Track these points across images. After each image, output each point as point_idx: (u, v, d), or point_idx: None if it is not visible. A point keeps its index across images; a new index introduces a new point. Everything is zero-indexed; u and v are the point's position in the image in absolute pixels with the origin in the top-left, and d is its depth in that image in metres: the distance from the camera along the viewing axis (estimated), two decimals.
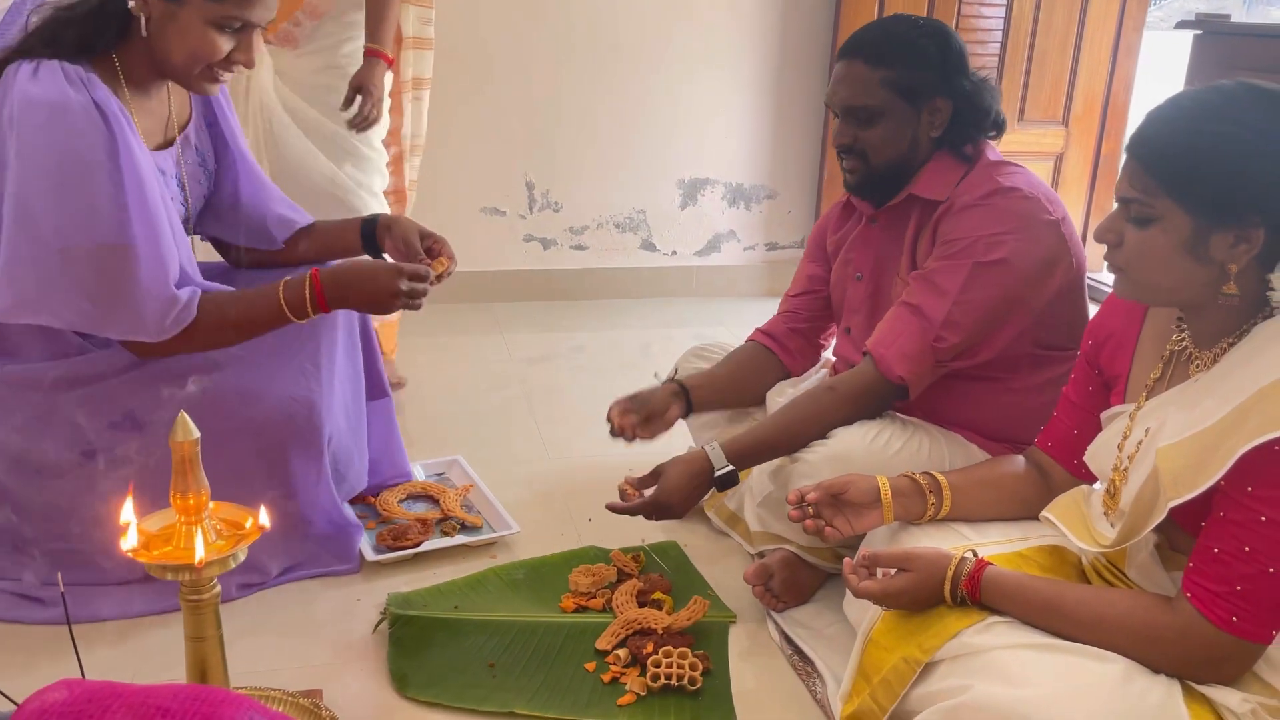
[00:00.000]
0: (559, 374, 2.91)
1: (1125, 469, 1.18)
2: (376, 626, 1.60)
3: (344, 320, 1.76)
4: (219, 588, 1.18)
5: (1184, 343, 1.18)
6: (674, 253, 3.69)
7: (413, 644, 1.55)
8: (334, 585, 1.73)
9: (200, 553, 1.12)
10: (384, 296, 1.58)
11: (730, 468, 1.62)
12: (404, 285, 1.58)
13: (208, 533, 1.15)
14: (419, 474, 2.10)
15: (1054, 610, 1.13)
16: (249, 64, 1.53)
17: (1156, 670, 1.07)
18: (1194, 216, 1.07)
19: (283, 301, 1.55)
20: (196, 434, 1.13)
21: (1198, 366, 1.15)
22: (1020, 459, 1.44)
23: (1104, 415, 1.28)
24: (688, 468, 1.62)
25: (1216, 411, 1.05)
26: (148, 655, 1.52)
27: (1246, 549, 1.02)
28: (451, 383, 2.76)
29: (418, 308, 1.61)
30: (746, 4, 3.46)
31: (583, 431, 2.46)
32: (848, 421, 1.64)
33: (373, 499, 1.97)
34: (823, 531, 1.39)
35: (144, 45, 1.49)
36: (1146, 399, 1.20)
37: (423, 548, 1.82)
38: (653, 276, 3.67)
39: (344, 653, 1.56)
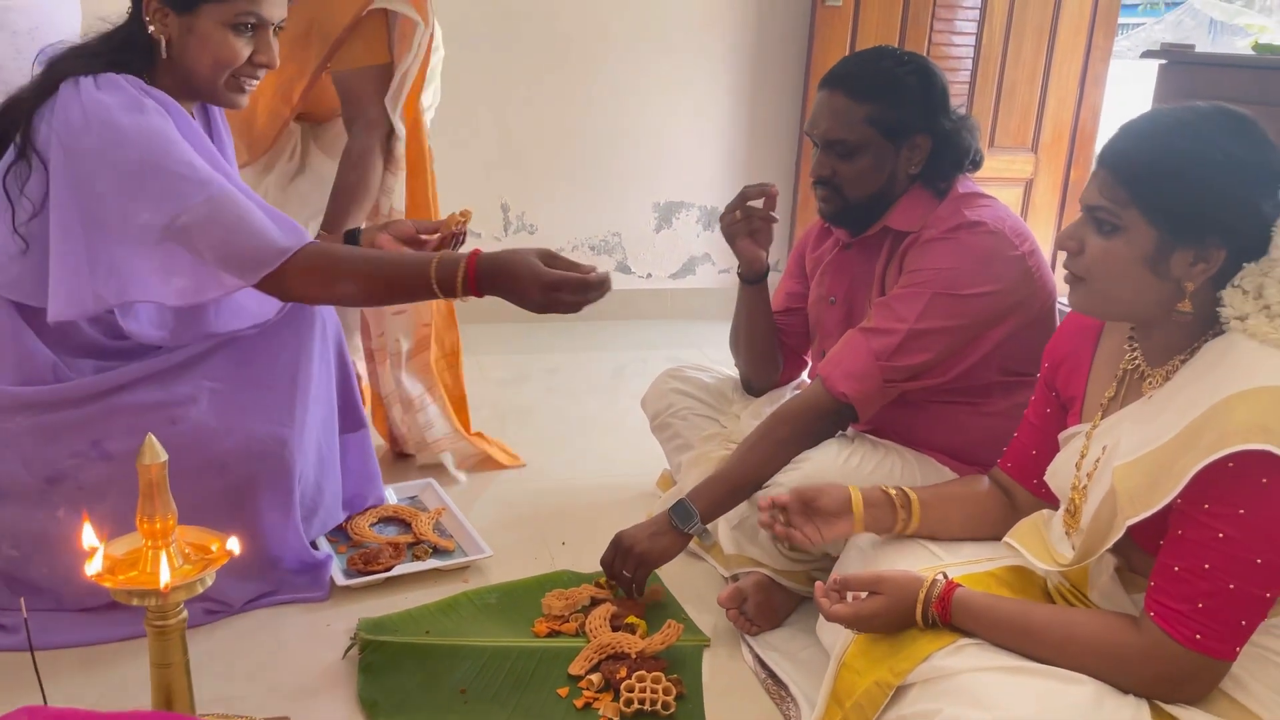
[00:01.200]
0: (532, 396, 2.90)
1: (1084, 487, 1.20)
2: (347, 652, 1.58)
3: (319, 351, 1.74)
4: (185, 613, 1.17)
5: (1136, 361, 1.20)
6: (649, 275, 3.70)
7: (383, 669, 1.53)
8: (303, 610, 1.71)
9: (166, 577, 1.10)
10: (531, 296, 1.49)
11: (698, 525, 1.63)
12: (545, 295, 1.48)
13: (174, 557, 1.14)
14: (391, 497, 2.09)
15: (1022, 631, 1.13)
16: (271, 63, 1.57)
17: (1125, 691, 1.07)
18: (1158, 231, 1.08)
19: (434, 275, 1.48)
20: (164, 456, 1.12)
21: (1150, 384, 1.16)
22: (986, 479, 1.45)
23: (1061, 436, 1.30)
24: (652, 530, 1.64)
25: (1170, 429, 1.07)
26: (112, 682, 1.49)
27: (1206, 566, 1.03)
28: None
29: (577, 310, 1.51)
30: (722, 28, 3.49)
31: (556, 454, 2.46)
32: (803, 447, 1.65)
33: (344, 524, 1.95)
34: (791, 537, 1.39)
35: (169, 69, 1.54)
36: (1102, 418, 1.21)
37: (394, 572, 1.80)
38: (627, 299, 3.68)
39: (313, 678, 1.53)
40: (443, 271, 1.48)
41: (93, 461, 1.53)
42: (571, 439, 2.58)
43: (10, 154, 1.48)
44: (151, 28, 1.50)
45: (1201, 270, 1.09)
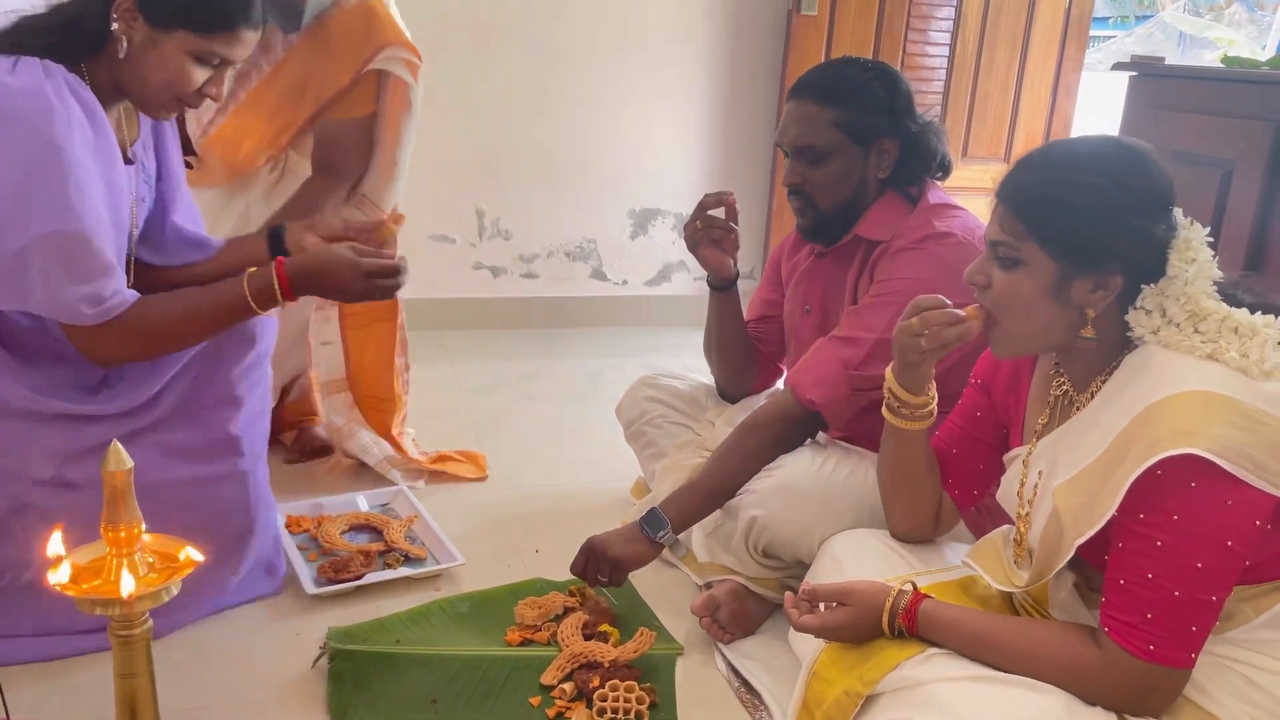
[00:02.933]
0: (507, 403, 2.89)
1: (1028, 514, 1.22)
2: (316, 661, 1.56)
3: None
4: (150, 622, 1.15)
5: (1064, 386, 1.22)
6: (624, 282, 3.70)
7: (353, 679, 1.52)
8: (271, 619, 1.69)
9: (130, 586, 1.08)
10: (350, 287, 1.56)
11: (669, 535, 1.63)
12: (365, 283, 1.56)
13: (138, 566, 1.12)
14: (362, 504, 2.07)
15: (986, 644, 1.14)
16: (218, 98, 1.55)
17: (1091, 704, 1.08)
18: (1056, 261, 1.12)
19: (247, 291, 1.51)
20: (130, 463, 1.10)
21: (1078, 409, 1.19)
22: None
23: (1005, 458, 1.32)
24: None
25: (1099, 445, 1.09)
26: (74, 693, 1.47)
27: (1149, 576, 1.04)
28: None
29: (392, 295, 1.61)
30: (698, 36, 3.50)
31: (530, 462, 2.45)
32: (775, 455, 1.66)
33: (313, 530, 1.93)
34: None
35: (112, 64, 1.49)
36: (1036, 442, 1.23)
37: (365, 580, 1.78)
38: (603, 306, 3.67)
39: (282, 689, 1.52)
40: (256, 287, 1.52)
41: (58, 488, 1.50)
42: (546, 446, 2.56)
43: None
44: (116, 25, 1.46)
45: (1101, 296, 1.12)
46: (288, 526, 1.95)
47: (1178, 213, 1.13)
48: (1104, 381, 1.16)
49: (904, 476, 1.38)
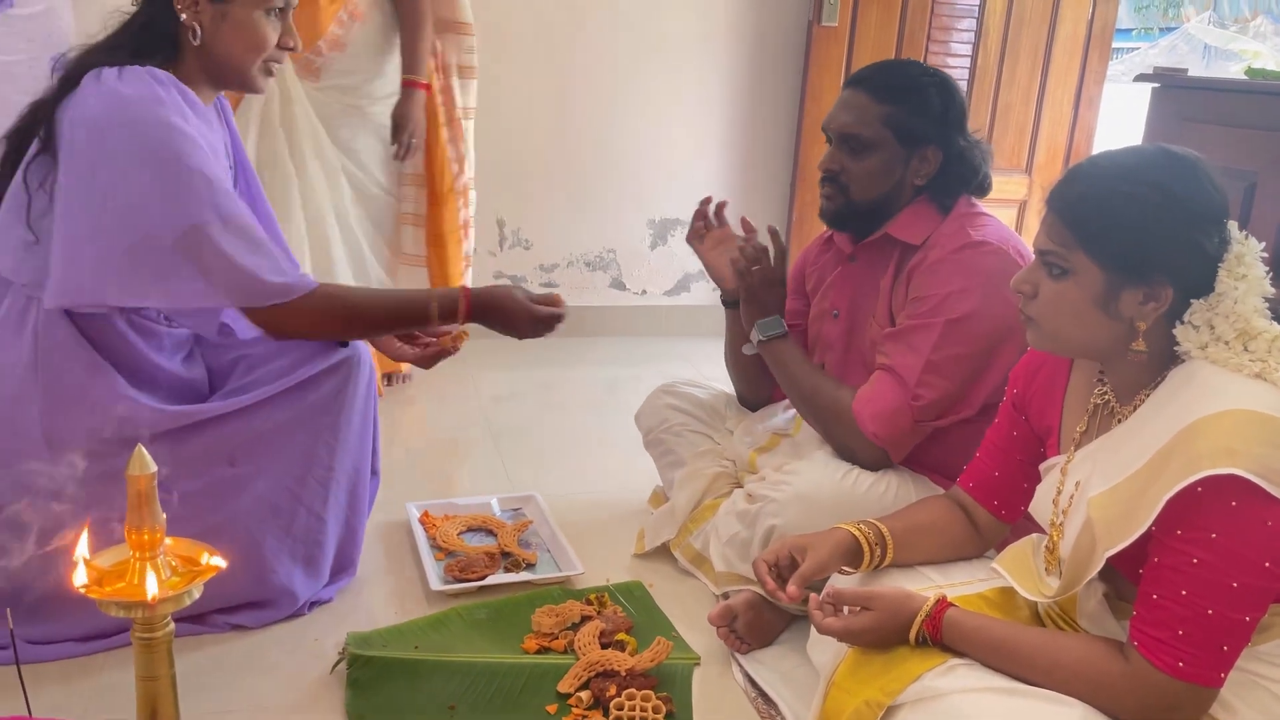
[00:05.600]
0: (526, 412, 2.89)
1: (1061, 523, 1.21)
2: (334, 666, 1.57)
3: (361, 408, 1.74)
4: (172, 626, 1.16)
5: (1106, 396, 1.21)
6: (644, 292, 3.70)
7: (371, 684, 1.52)
8: (291, 624, 1.70)
9: (153, 589, 1.09)
10: (519, 326, 1.72)
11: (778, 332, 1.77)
12: (533, 326, 1.73)
13: (161, 569, 1.13)
14: (495, 508, 2.14)
15: (1011, 654, 1.13)
16: (296, 45, 1.62)
17: (1114, 718, 1.07)
18: (1105, 272, 1.10)
19: (435, 313, 1.66)
20: (153, 468, 1.11)
21: (1119, 420, 1.18)
22: (945, 499, 1.45)
23: (1041, 467, 1.31)
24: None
25: (1139, 458, 1.08)
26: (97, 695, 1.48)
27: (1183, 593, 1.03)
28: (417, 420, 2.74)
29: (551, 330, 1.76)
30: (718, 47, 3.51)
31: (549, 470, 2.45)
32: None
33: (432, 530, 2.00)
34: (778, 596, 1.35)
35: (196, 57, 1.55)
36: (1075, 452, 1.22)
37: (487, 581, 1.83)
38: (622, 315, 3.68)
39: (300, 693, 1.52)
40: (443, 309, 1.66)
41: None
42: (564, 455, 2.57)
43: (34, 146, 1.48)
44: (183, 15, 1.51)
45: (1153, 309, 1.10)
46: (421, 523, 2.03)
47: (1232, 226, 1.11)
48: (1148, 394, 1.14)
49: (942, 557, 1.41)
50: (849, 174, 1.68)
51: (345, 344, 1.77)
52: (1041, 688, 1.10)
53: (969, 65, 3.60)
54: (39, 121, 1.50)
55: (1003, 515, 1.39)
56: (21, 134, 1.53)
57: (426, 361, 1.84)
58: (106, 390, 1.51)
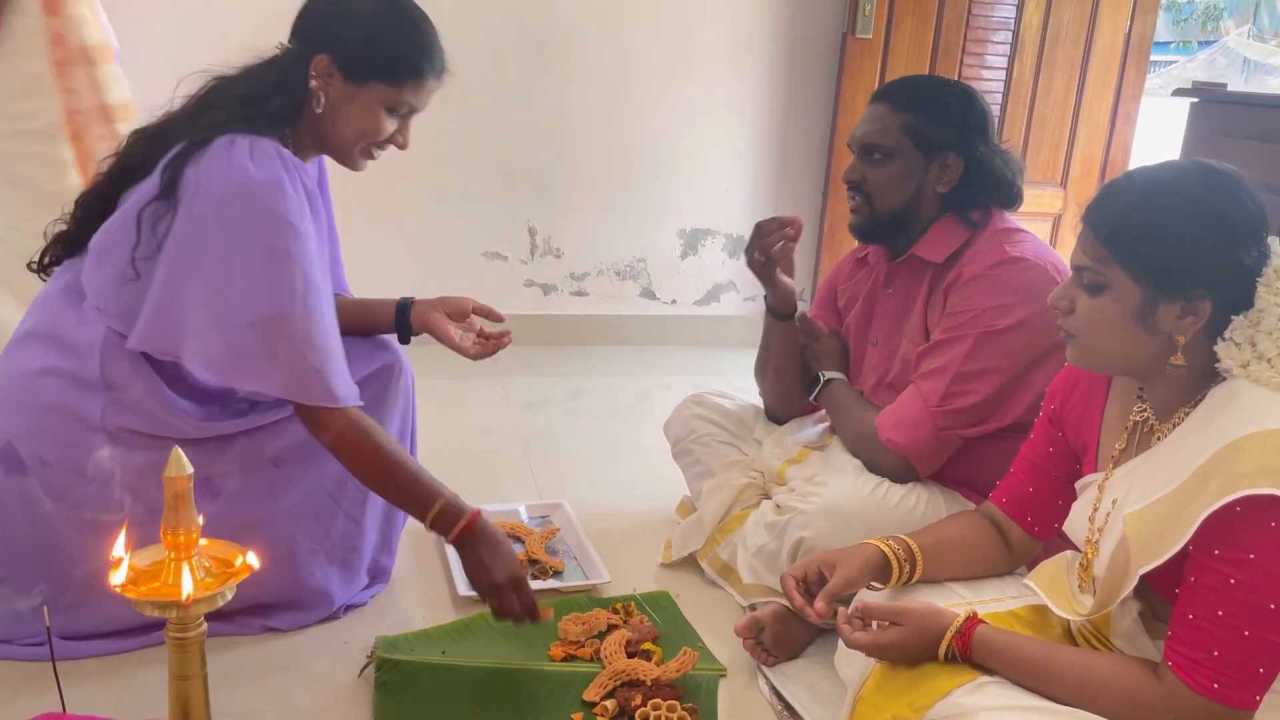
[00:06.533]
0: (555, 419, 2.90)
1: (1096, 540, 1.20)
2: (362, 670, 1.58)
3: (400, 415, 1.77)
4: (205, 626, 1.17)
5: (1145, 413, 1.20)
6: (674, 301, 3.71)
7: (398, 689, 1.53)
8: (320, 627, 1.71)
9: (188, 589, 1.11)
10: (495, 578, 1.54)
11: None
12: (506, 588, 1.53)
13: (196, 570, 1.14)
14: (523, 514, 2.15)
15: (1042, 672, 1.12)
16: (404, 145, 1.65)
17: None
18: (1142, 286, 1.10)
19: (434, 511, 1.53)
20: (190, 469, 1.13)
21: (1158, 438, 1.17)
22: (976, 514, 1.44)
23: (1078, 485, 1.30)
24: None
25: (1177, 477, 1.07)
26: (130, 692, 1.50)
27: (1220, 613, 1.02)
28: (446, 426, 2.76)
29: (506, 617, 1.56)
30: (752, 58, 3.51)
31: (576, 477, 2.46)
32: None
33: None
34: (805, 613, 1.35)
35: (312, 122, 1.58)
36: (1113, 469, 1.21)
37: None
38: (652, 325, 3.68)
39: (329, 695, 1.54)
40: (441, 520, 1.54)
41: (198, 500, 1.55)
42: (593, 463, 2.58)
43: (153, 188, 1.50)
44: (315, 82, 1.54)
45: (1191, 323, 1.09)
46: None
47: (1272, 241, 1.10)
48: (1188, 412, 1.14)
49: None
50: (870, 182, 1.71)
51: (388, 350, 1.80)
52: (1072, 707, 1.09)
53: (1004, 78, 3.58)
54: (154, 155, 1.53)
55: (1036, 532, 1.38)
56: (137, 160, 1.57)
57: (481, 353, 1.83)
58: (159, 403, 1.54)
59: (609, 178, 3.52)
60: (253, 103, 1.53)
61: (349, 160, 1.63)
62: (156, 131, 1.58)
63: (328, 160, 1.72)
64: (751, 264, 1.85)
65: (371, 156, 1.65)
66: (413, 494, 1.56)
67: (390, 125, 1.60)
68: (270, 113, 1.53)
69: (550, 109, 3.40)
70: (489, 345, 1.83)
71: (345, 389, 1.52)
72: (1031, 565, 1.36)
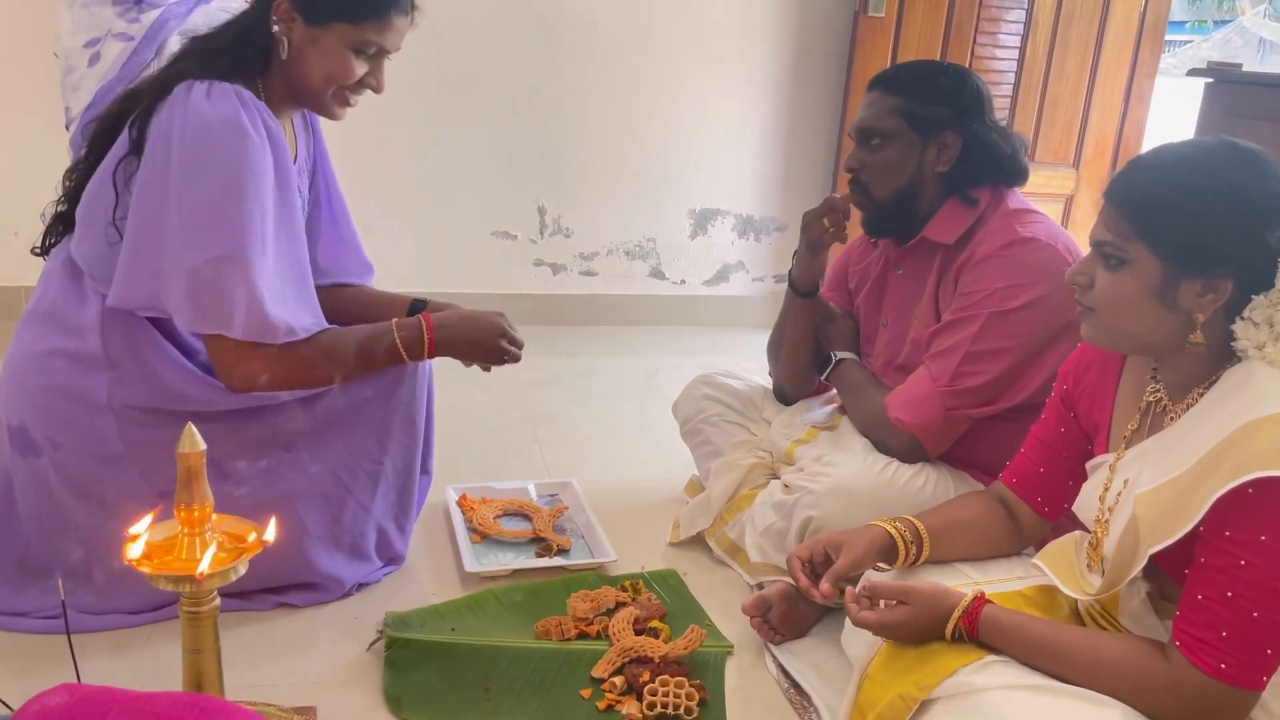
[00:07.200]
0: (563, 398, 2.91)
1: (1106, 520, 1.19)
2: (371, 645, 1.60)
3: (416, 406, 1.78)
4: (218, 600, 1.18)
5: (1158, 394, 1.20)
6: (683, 281, 3.71)
7: (408, 665, 1.55)
8: (333, 603, 1.73)
9: (204, 565, 1.12)
10: (489, 347, 1.64)
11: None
12: (506, 341, 1.65)
13: (209, 545, 1.15)
14: (532, 492, 2.16)
15: (1049, 651, 1.13)
16: (379, 88, 1.63)
17: (1153, 718, 1.06)
18: (1164, 263, 1.09)
19: (398, 340, 1.58)
20: (203, 446, 1.14)
21: (1172, 419, 1.16)
22: (985, 495, 1.45)
23: (1089, 465, 1.30)
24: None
25: (1190, 458, 1.07)
26: (143, 665, 1.52)
27: (1229, 594, 1.02)
28: (454, 403, 2.76)
29: (517, 359, 1.69)
30: (763, 37, 3.49)
31: (585, 456, 2.46)
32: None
33: (469, 513, 2.02)
34: (810, 594, 1.36)
35: (282, 71, 1.57)
36: (1125, 450, 1.21)
37: (522, 565, 1.86)
38: (661, 304, 3.68)
39: (339, 671, 1.55)
40: (406, 334, 1.60)
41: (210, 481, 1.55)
42: (601, 443, 2.58)
43: (123, 145, 1.50)
44: (276, 27, 1.53)
45: (1211, 301, 1.09)
46: (459, 505, 2.06)
47: None
48: (1202, 393, 1.13)
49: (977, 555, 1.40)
50: (869, 170, 1.71)
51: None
52: (1080, 687, 1.09)
53: (1017, 57, 3.55)
54: (128, 113, 1.53)
55: (1045, 512, 1.38)
56: (112, 121, 1.56)
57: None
58: (169, 368, 1.54)
59: (618, 157, 3.51)
60: (218, 54, 1.52)
61: (324, 107, 1.61)
62: (131, 91, 1.57)
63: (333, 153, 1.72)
64: (816, 229, 1.81)
65: (348, 103, 1.62)
66: (372, 354, 1.58)
67: (360, 67, 1.57)
68: (235, 61, 1.52)
69: (560, 89, 3.39)
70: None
71: (298, 323, 1.51)
72: (1040, 546, 1.36)
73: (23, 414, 1.54)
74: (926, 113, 1.67)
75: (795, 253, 1.89)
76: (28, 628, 1.56)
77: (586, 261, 3.60)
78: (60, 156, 2.43)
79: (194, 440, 1.14)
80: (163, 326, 1.57)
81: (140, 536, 1.15)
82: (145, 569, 1.13)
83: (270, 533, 1.20)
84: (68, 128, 2.36)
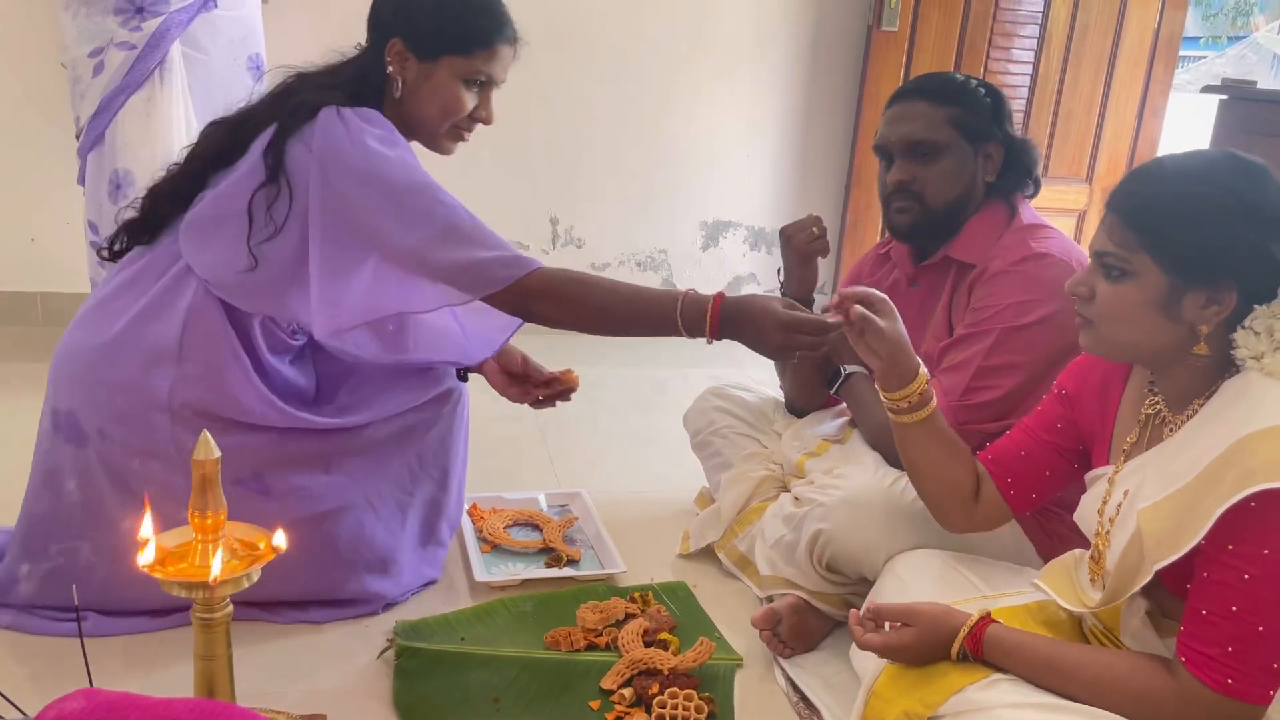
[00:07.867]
0: (574, 408, 2.89)
1: (1107, 532, 1.19)
2: (381, 653, 1.60)
3: (450, 442, 1.83)
4: (230, 607, 1.19)
5: (1157, 406, 1.19)
6: None
7: (419, 675, 1.55)
8: None
9: (216, 571, 1.13)
10: (769, 338, 1.50)
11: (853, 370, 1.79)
12: (784, 336, 1.48)
13: (222, 552, 1.16)
14: (542, 503, 2.17)
15: (1054, 669, 1.13)
16: (488, 120, 1.68)
17: None
18: (1169, 275, 1.09)
19: (679, 314, 1.54)
20: (217, 453, 1.15)
21: (1171, 430, 1.16)
22: (971, 462, 1.42)
23: (1087, 477, 1.30)
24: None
25: (1191, 470, 1.07)
26: (155, 671, 1.53)
27: (1234, 609, 1.02)
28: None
29: (814, 354, 1.52)
30: (776, 50, 3.50)
31: (595, 467, 2.47)
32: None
33: (480, 523, 2.03)
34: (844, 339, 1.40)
35: (395, 110, 1.62)
36: (1124, 462, 1.21)
37: (532, 575, 1.86)
38: None
39: (350, 679, 1.56)
40: (689, 310, 1.53)
41: (250, 495, 1.57)
42: (611, 453, 2.59)
43: (253, 173, 1.53)
44: (390, 68, 1.58)
45: (1215, 313, 1.09)
46: (470, 514, 2.07)
47: None
48: (1201, 404, 1.13)
49: (927, 468, 1.39)
50: (923, 181, 1.68)
51: (464, 376, 1.88)
52: (1085, 704, 1.09)
53: (1030, 72, 3.56)
54: (247, 140, 1.56)
55: (1010, 496, 1.36)
56: (217, 150, 1.60)
57: (539, 404, 1.92)
58: (237, 377, 1.57)
59: (631, 169, 3.52)
60: (336, 89, 1.56)
61: (437, 142, 1.67)
62: (239, 121, 1.60)
63: None
64: (805, 237, 1.81)
65: (461, 138, 1.68)
66: (649, 318, 1.58)
67: (470, 99, 1.63)
68: (352, 96, 1.56)
69: (572, 100, 3.40)
70: (554, 392, 1.94)
71: (507, 254, 1.54)
72: (1047, 556, 1.36)
73: (75, 401, 1.55)
74: (976, 122, 1.68)
75: (779, 269, 1.88)
76: (44, 629, 1.57)
77: (598, 272, 3.61)
78: (74, 165, 2.46)
79: (209, 448, 1.15)
80: (244, 337, 1.60)
81: (149, 541, 1.15)
82: (158, 574, 1.14)
83: (280, 540, 1.21)
84: (77, 137, 2.38)
